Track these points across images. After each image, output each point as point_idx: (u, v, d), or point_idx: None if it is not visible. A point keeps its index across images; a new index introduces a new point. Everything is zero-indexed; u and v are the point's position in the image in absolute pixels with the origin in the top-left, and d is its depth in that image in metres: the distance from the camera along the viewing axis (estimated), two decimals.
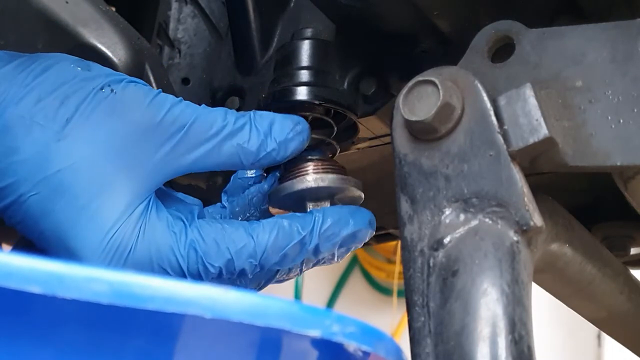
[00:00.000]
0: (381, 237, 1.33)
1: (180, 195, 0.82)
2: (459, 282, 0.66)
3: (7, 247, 1.30)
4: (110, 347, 0.44)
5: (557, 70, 0.70)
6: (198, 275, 0.77)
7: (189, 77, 1.00)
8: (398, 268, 2.62)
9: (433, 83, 0.69)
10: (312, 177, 0.81)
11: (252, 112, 0.79)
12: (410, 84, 0.70)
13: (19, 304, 0.41)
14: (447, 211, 0.69)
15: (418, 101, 0.69)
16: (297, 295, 2.61)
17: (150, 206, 0.75)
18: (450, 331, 0.65)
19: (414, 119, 0.69)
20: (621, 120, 0.67)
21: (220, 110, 0.78)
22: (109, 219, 0.72)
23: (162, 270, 0.75)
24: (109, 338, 0.44)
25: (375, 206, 0.86)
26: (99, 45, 0.87)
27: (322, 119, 0.84)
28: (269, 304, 0.43)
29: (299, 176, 0.81)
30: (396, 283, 2.69)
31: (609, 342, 2.86)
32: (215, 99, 0.96)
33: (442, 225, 0.69)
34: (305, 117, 0.82)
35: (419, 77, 0.70)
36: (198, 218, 0.78)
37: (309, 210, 0.81)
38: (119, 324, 0.43)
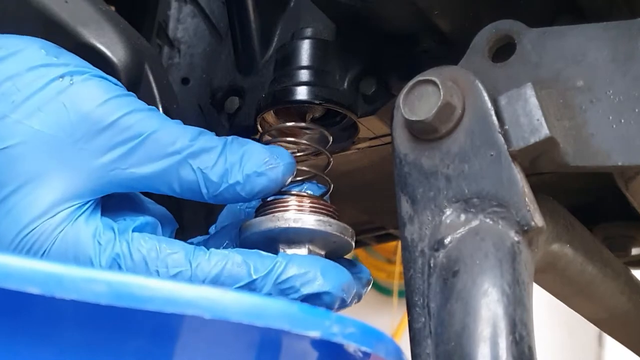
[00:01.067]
0: (381, 237, 1.33)
1: (148, 204, 0.74)
2: (460, 283, 0.66)
3: None
4: (110, 348, 0.44)
5: (558, 70, 0.70)
6: None
7: (189, 77, 1.00)
8: (398, 268, 2.62)
9: (433, 83, 0.69)
10: (288, 215, 0.71)
11: (230, 137, 0.71)
12: (410, 83, 0.70)
13: (18, 304, 0.41)
14: (448, 211, 0.69)
15: (418, 101, 0.69)
16: None
17: (82, 212, 0.67)
18: (450, 332, 0.65)
19: (414, 118, 0.69)
20: (622, 120, 0.67)
21: (192, 129, 0.69)
22: (28, 215, 0.65)
23: None
24: (108, 339, 0.44)
25: (375, 206, 0.86)
26: (99, 45, 0.86)
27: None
28: (268, 305, 0.43)
29: (272, 212, 0.72)
30: (396, 283, 2.69)
31: (609, 342, 2.86)
32: (215, 99, 0.96)
33: (442, 225, 0.69)
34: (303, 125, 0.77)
35: (420, 77, 0.70)
36: (137, 231, 0.69)
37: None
38: (118, 325, 0.43)
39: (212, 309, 0.42)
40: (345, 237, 0.74)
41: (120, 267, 0.66)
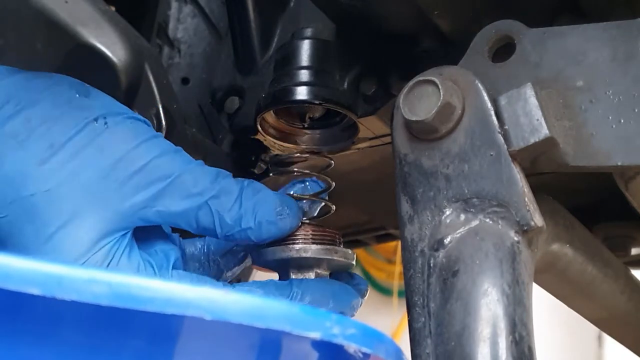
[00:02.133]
0: (381, 237, 1.33)
1: (167, 233, 0.79)
2: (460, 283, 0.66)
3: None
4: (110, 349, 0.44)
5: (558, 70, 0.70)
6: None
7: (189, 77, 1.00)
8: (398, 268, 2.62)
9: (433, 83, 0.69)
10: (297, 247, 0.78)
11: (246, 181, 0.76)
12: (410, 83, 0.70)
13: (18, 305, 0.41)
14: (448, 211, 0.69)
15: (418, 101, 0.69)
16: None
17: (121, 246, 0.72)
18: (450, 332, 0.65)
19: (414, 118, 0.69)
20: (622, 120, 0.67)
21: (211, 171, 0.74)
22: (75, 252, 0.70)
23: None
24: (108, 339, 0.44)
25: (376, 206, 0.86)
26: (99, 45, 0.86)
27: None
28: (269, 306, 0.43)
29: (284, 244, 0.78)
30: (396, 283, 2.69)
31: (609, 342, 2.86)
32: (215, 99, 0.96)
33: (442, 225, 0.69)
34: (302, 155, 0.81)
35: (420, 77, 0.70)
36: (174, 268, 0.75)
37: (291, 277, 0.79)
38: (119, 326, 0.43)
39: (212, 310, 0.42)
40: (347, 260, 0.81)
41: None
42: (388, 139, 0.88)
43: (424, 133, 0.71)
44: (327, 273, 0.81)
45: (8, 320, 0.42)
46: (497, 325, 0.64)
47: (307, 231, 0.79)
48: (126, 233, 0.72)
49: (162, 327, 0.43)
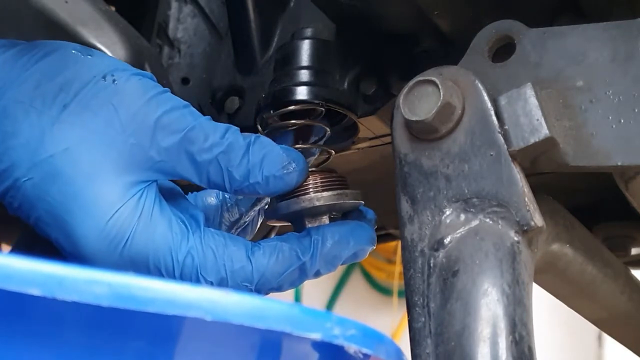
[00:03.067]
0: (381, 237, 1.32)
1: (187, 199, 0.80)
2: (460, 283, 0.66)
3: (6, 248, 1.30)
4: (111, 350, 0.44)
5: (558, 70, 0.70)
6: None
7: (189, 77, 1.00)
8: (398, 268, 2.62)
9: (433, 83, 0.69)
10: (309, 196, 0.79)
11: (253, 137, 0.77)
12: (410, 83, 0.70)
13: (19, 306, 0.41)
14: (448, 211, 0.69)
15: (418, 101, 0.69)
16: (298, 295, 2.61)
17: (149, 199, 0.73)
18: (450, 332, 0.65)
19: (414, 118, 0.69)
20: (622, 120, 0.67)
21: (221, 126, 0.76)
22: (104, 205, 0.71)
23: (157, 270, 0.73)
24: (109, 340, 0.44)
25: (376, 206, 0.86)
26: (99, 45, 0.87)
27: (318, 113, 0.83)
28: (269, 307, 0.43)
29: (295, 196, 0.79)
30: (396, 283, 2.69)
31: (609, 342, 2.86)
32: (215, 99, 0.96)
33: (442, 225, 0.69)
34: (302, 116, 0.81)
35: (420, 77, 0.70)
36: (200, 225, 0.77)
37: (307, 226, 0.80)
38: (119, 327, 0.43)
39: (213, 311, 0.42)
40: (357, 201, 0.82)
41: (193, 259, 0.73)
42: (388, 139, 0.88)
43: (424, 133, 0.71)
44: (339, 215, 0.83)
45: (9, 321, 0.42)
46: (497, 325, 0.64)
47: (316, 179, 0.80)
48: (150, 184, 0.74)
49: (163, 327, 0.43)
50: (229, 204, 0.86)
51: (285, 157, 0.77)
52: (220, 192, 0.85)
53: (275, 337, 0.44)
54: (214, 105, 0.96)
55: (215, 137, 0.74)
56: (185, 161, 0.74)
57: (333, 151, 0.85)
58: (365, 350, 0.45)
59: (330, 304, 2.69)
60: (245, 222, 0.87)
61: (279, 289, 0.77)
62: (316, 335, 0.43)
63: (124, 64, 0.75)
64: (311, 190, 0.79)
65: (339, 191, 0.80)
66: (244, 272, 0.75)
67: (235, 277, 0.75)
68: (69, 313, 0.41)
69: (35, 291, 0.40)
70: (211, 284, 0.74)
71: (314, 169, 0.81)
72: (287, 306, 0.43)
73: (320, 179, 0.80)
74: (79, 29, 0.87)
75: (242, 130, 0.83)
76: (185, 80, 1.00)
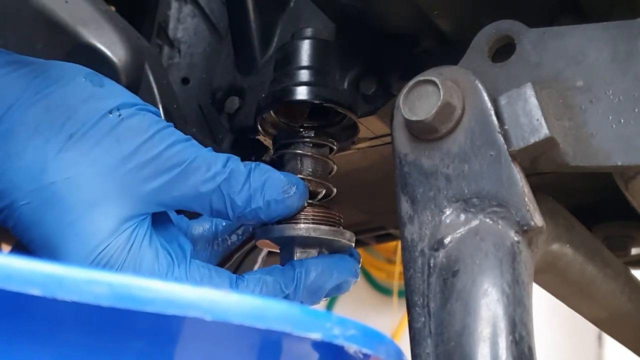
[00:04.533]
0: (381, 237, 1.33)
1: (177, 228, 0.81)
2: (460, 283, 0.66)
3: (6, 248, 1.30)
4: (111, 350, 0.44)
5: (558, 70, 0.70)
6: None
7: (189, 77, 1.00)
8: (398, 268, 2.62)
9: (433, 83, 0.69)
10: (305, 225, 0.80)
11: (254, 164, 0.78)
12: (410, 83, 0.70)
13: (19, 306, 0.41)
14: (448, 211, 0.69)
15: (418, 101, 0.69)
16: None
17: (141, 232, 0.75)
18: (450, 331, 0.65)
19: (414, 118, 0.69)
20: (622, 120, 0.67)
21: (222, 156, 0.77)
22: (97, 236, 0.72)
23: None
24: (109, 340, 0.44)
25: (375, 206, 0.86)
26: (99, 45, 0.87)
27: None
28: (270, 307, 0.43)
29: (292, 222, 0.80)
30: (396, 283, 2.69)
31: (609, 342, 2.86)
32: (215, 99, 0.96)
33: (442, 225, 0.69)
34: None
35: (420, 77, 0.70)
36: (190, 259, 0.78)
37: (295, 255, 0.81)
38: (119, 327, 0.43)
39: (213, 311, 0.42)
40: (349, 242, 0.82)
41: None
42: (388, 139, 0.88)
43: (424, 133, 0.71)
44: (327, 252, 0.83)
45: (9, 321, 0.42)
46: (497, 325, 0.64)
47: (316, 212, 0.80)
48: (145, 218, 0.75)
49: (163, 328, 0.43)
50: (219, 236, 0.87)
51: (286, 181, 0.79)
52: (213, 222, 0.86)
53: (276, 337, 0.44)
54: (214, 105, 0.96)
55: (218, 167, 0.76)
56: (188, 192, 0.75)
57: (334, 189, 0.86)
58: (365, 350, 0.45)
59: (330, 304, 2.69)
60: (228, 247, 0.88)
61: None
62: (316, 335, 0.43)
63: (132, 97, 0.77)
64: (309, 220, 0.80)
65: (335, 228, 0.81)
66: None
67: None
68: (69, 313, 0.41)
69: (35, 291, 0.40)
70: None
71: (312, 201, 0.82)
72: (287, 306, 0.43)
73: (319, 212, 0.81)
74: (79, 29, 0.87)
75: (242, 130, 0.83)
76: (185, 80, 1.00)
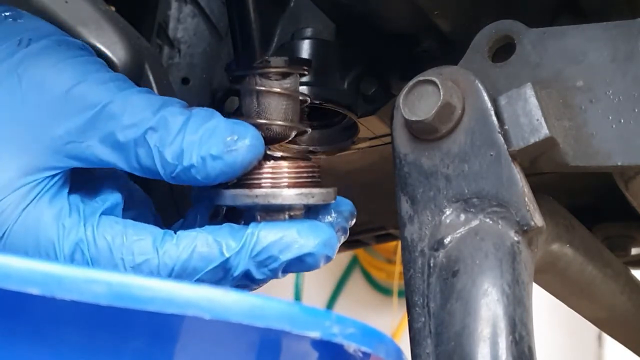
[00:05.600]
0: (381, 237, 1.33)
1: (126, 181, 0.68)
2: (460, 283, 0.66)
3: None
4: (109, 349, 0.44)
5: (558, 70, 0.70)
6: None
7: (189, 77, 1.00)
8: (398, 268, 2.62)
9: (433, 83, 0.69)
10: (263, 191, 0.66)
11: (195, 110, 0.65)
12: (410, 83, 0.70)
13: (18, 305, 0.41)
14: (448, 211, 0.69)
15: (418, 101, 0.69)
16: (297, 295, 2.61)
17: (45, 188, 0.62)
18: (450, 332, 0.65)
19: (414, 118, 0.69)
20: (622, 120, 0.67)
21: (156, 99, 0.63)
22: None
23: None
24: (108, 339, 0.44)
25: (375, 206, 0.86)
26: (99, 45, 0.86)
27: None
28: (268, 305, 0.43)
29: (248, 185, 0.66)
30: (396, 283, 2.69)
31: (609, 342, 2.86)
32: (215, 99, 0.96)
33: (442, 225, 0.69)
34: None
35: (420, 77, 0.70)
36: (105, 213, 0.64)
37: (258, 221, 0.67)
38: (118, 325, 0.43)
39: (212, 310, 0.42)
40: (327, 201, 0.70)
41: (83, 254, 0.62)
42: (388, 139, 0.88)
43: (424, 133, 0.71)
44: (301, 212, 0.69)
45: (7, 320, 0.42)
46: (497, 325, 0.64)
47: (279, 170, 0.67)
48: (56, 175, 0.63)
49: (162, 326, 0.43)
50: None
51: (230, 130, 0.63)
52: None
53: (275, 335, 0.44)
54: (214, 105, 0.96)
55: (144, 112, 0.62)
56: (106, 142, 0.62)
57: (308, 130, 0.73)
58: (364, 349, 0.45)
59: (330, 304, 2.69)
60: None
61: None
62: (315, 334, 0.43)
63: (54, 30, 0.65)
64: (269, 182, 0.66)
65: (303, 189, 0.67)
66: (148, 267, 0.62)
67: (138, 272, 0.62)
68: (68, 312, 0.41)
69: (34, 290, 0.40)
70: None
71: (281, 154, 0.68)
72: (286, 305, 0.43)
73: (286, 169, 0.67)
74: (79, 29, 0.86)
75: None
76: (185, 80, 1.00)
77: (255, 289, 0.69)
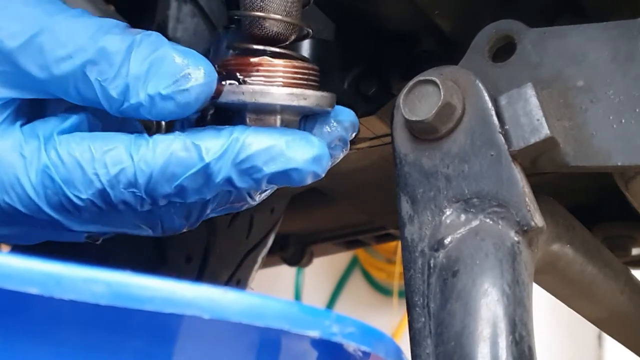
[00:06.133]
0: (381, 237, 1.33)
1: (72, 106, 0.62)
2: (460, 283, 0.66)
3: (6, 248, 1.29)
4: (109, 348, 0.44)
5: (558, 70, 0.70)
6: (65, 210, 0.58)
7: None
8: (398, 268, 2.62)
9: (434, 83, 0.69)
10: (251, 88, 0.60)
11: (139, 36, 0.58)
12: (410, 83, 0.70)
13: (17, 305, 0.41)
14: (448, 211, 0.69)
15: (419, 101, 0.69)
16: (297, 295, 2.61)
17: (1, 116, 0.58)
18: (450, 332, 0.65)
19: (414, 118, 0.69)
20: (622, 120, 0.67)
21: (89, 24, 0.57)
22: None
23: (11, 209, 0.58)
24: (107, 339, 0.44)
25: (375, 206, 0.86)
26: None
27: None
28: (268, 305, 0.43)
29: (235, 80, 0.60)
30: (396, 283, 2.69)
31: (609, 342, 2.86)
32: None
33: (442, 225, 0.69)
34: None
35: (420, 77, 0.70)
36: (63, 132, 0.59)
37: (247, 123, 0.62)
38: (117, 325, 0.43)
39: (211, 309, 0.42)
40: (324, 108, 0.64)
41: (53, 180, 0.58)
42: (388, 139, 0.88)
43: (424, 133, 0.71)
44: (295, 119, 0.64)
45: (6, 320, 0.42)
46: (497, 325, 0.64)
47: (272, 67, 0.61)
48: (6, 103, 0.58)
49: (161, 326, 0.43)
50: None
51: (182, 64, 0.58)
52: None
53: (274, 335, 0.44)
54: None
55: (79, 40, 0.56)
56: (40, 74, 0.57)
57: (309, 31, 0.67)
58: (364, 348, 0.45)
59: (330, 304, 2.69)
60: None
61: (181, 197, 0.60)
62: (315, 333, 0.43)
63: None
64: (260, 79, 0.60)
65: (296, 90, 0.61)
66: (125, 176, 0.58)
67: (115, 184, 0.58)
68: (67, 312, 0.41)
69: (33, 290, 0.40)
70: (90, 202, 0.58)
71: (276, 49, 0.62)
72: (286, 304, 0.43)
73: (282, 67, 0.61)
74: None
75: None
76: None
77: (237, 198, 0.65)
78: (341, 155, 0.67)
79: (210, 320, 0.42)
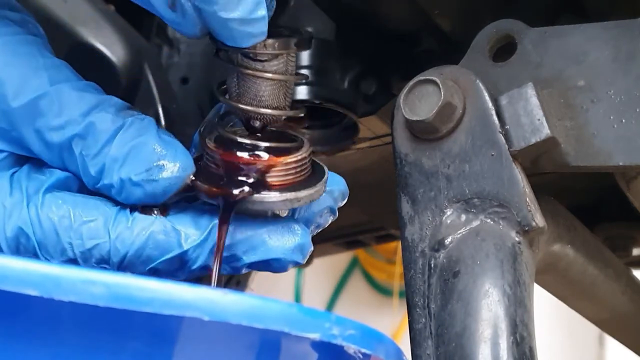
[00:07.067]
0: (381, 237, 1.33)
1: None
2: (460, 283, 0.66)
3: None
4: (108, 350, 0.44)
5: (559, 70, 0.70)
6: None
7: (188, 77, 0.99)
8: (399, 269, 2.62)
9: (434, 82, 0.68)
10: (237, 191, 0.57)
11: (130, 119, 0.57)
12: (411, 83, 0.70)
13: (16, 306, 0.41)
14: (449, 212, 0.69)
15: (419, 101, 0.69)
16: (297, 295, 2.61)
17: None
18: (451, 332, 0.65)
19: (415, 118, 0.69)
20: (623, 120, 0.67)
21: (89, 99, 0.57)
22: None
23: None
24: (106, 341, 0.44)
25: (375, 206, 0.86)
26: (98, 45, 0.86)
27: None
28: (268, 306, 0.43)
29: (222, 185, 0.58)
30: (397, 284, 2.69)
31: (610, 342, 2.86)
32: (215, 99, 0.95)
33: (443, 225, 0.69)
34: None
35: (420, 77, 0.70)
36: (49, 191, 0.58)
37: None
38: (117, 327, 0.42)
39: (211, 311, 0.41)
40: (315, 199, 0.62)
41: (29, 238, 0.57)
42: (388, 139, 0.88)
43: (424, 133, 0.70)
44: (286, 211, 0.62)
45: (6, 322, 0.42)
46: (498, 326, 0.63)
47: (264, 166, 0.58)
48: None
49: (161, 328, 0.43)
50: None
51: (156, 155, 0.57)
52: None
53: (274, 337, 0.44)
54: (213, 105, 0.96)
55: (74, 113, 0.56)
56: (35, 139, 0.57)
57: (302, 114, 0.64)
58: (364, 350, 0.45)
59: (330, 305, 2.69)
60: None
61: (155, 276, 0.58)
62: (315, 335, 0.43)
63: (14, 10, 0.59)
64: (249, 184, 0.58)
65: (289, 195, 0.59)
66: (99, 252, 0.57)
67: (89, 258, 0.57)
68: (66, 313, 0.41)
69: (32, 292, 0.40)
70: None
71: (270, 145, 0.59)
72: (286, 306, 0.43)
73: (274, 167, 0.59)
74: (78, 29, 0.86)
75: None
76: (184, 80, 0.99)
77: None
78: (329, 222, 0.65)
79: (209, 322, 0.41)
